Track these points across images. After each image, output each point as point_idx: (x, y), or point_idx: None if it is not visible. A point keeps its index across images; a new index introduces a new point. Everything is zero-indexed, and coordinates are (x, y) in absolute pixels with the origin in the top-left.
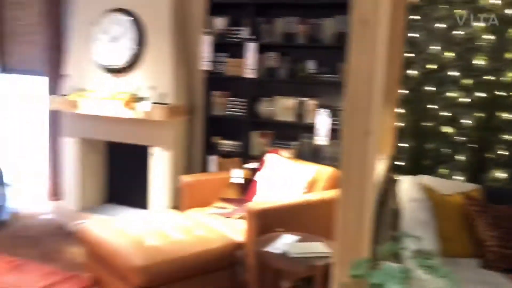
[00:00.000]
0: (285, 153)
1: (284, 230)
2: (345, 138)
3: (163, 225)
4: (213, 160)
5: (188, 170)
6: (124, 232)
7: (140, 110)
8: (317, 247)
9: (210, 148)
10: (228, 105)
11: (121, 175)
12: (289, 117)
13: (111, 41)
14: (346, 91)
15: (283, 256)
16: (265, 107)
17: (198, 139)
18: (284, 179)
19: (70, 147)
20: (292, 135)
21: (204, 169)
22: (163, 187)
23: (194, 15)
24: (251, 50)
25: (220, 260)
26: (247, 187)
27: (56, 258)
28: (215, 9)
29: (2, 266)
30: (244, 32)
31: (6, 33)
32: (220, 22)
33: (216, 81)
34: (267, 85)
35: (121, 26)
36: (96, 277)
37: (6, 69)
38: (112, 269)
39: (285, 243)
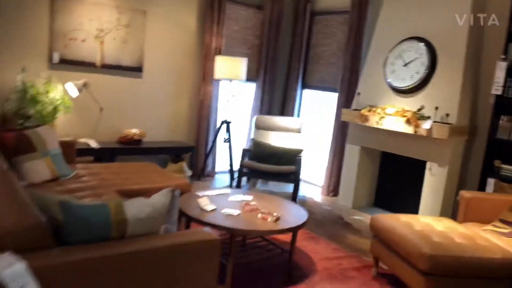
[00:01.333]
0: None
1: None
2: None
3: (444, 229)
4: (491, 182)
5: (461, 187)
6: (411, 226)
7: (423, 128)
8: None
9: (489, 170)
10: None
11: (390, 182)
12: None
13: (403, 65)
14: None
15: None
16: None
17: (477, 159)
18: None
19: (351, 153)
20: None
21: (479, 189)
22: (435, 199)
23: (491, 42)
24: None
25: (499, 271)
26: None
27: (339, 240)
28: None
29: (302, 235)
30: None
31: (310, 56)
32: None
33: (505, 106)
34: None
35: (415, 52)
36: (377, 259)
37: (306, 85)
38: (399, 254)
39: None
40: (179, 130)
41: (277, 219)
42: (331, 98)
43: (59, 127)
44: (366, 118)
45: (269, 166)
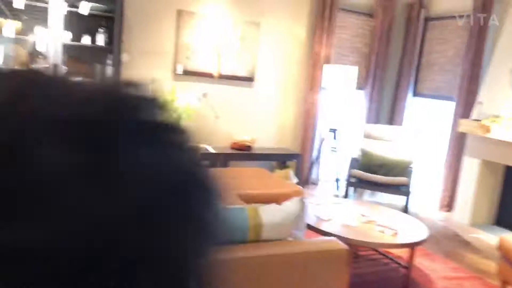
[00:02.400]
0: None
1: None
2: None
3: None
4: None
5: None
6: None
7: None
8: None
9: None
10: None
11: None
12: None
13: None
14: None
15: None
16: None
17: None
18: None
19: (469, 166)
20: None
21: None
22: None
23: None
24: None
25: None
26: None
27: (457, 259)
28: None
29: (417, 251)
30: None
31: (423, 64)
32: None
33: None
34: None
35: None
36: (505, 284)
37: (417, 94)
38: None
39: None
40: (285, 138)
41: (396, 233)
42: (446, 108)
43: None
44: (488, 129)
45: (380, 177)
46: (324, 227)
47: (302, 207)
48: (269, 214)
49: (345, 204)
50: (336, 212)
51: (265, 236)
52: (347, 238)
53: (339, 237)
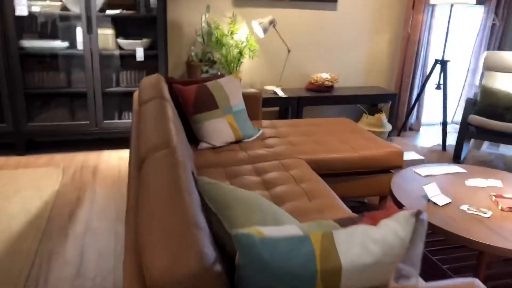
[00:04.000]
0: None
1: None
2: None
3: None
4: None
5: None
6: None
7: None
8: None
9: None
10: None
11: None
12: None
13: None
14: None
15: None
16: None
17: None
18: None
19: None
20: None
21: None
22: None
23: None
24: None
25: None
26: None
27: None
28: None
29: None
30: None
31: None
32: None
33: None
34: None
35: None
36: None
37: None
38: None
39: None
40: (377, 74)
41: None
42: None
43: (243, 74)
44: None
45: (510, 125)
46: (438, 221)
47: (416, 228)
48: (354, 246)
49: (469, 174)
50: (456, 190)
51: (346, 286)
52: (480, 243)
53: (469, 241)
